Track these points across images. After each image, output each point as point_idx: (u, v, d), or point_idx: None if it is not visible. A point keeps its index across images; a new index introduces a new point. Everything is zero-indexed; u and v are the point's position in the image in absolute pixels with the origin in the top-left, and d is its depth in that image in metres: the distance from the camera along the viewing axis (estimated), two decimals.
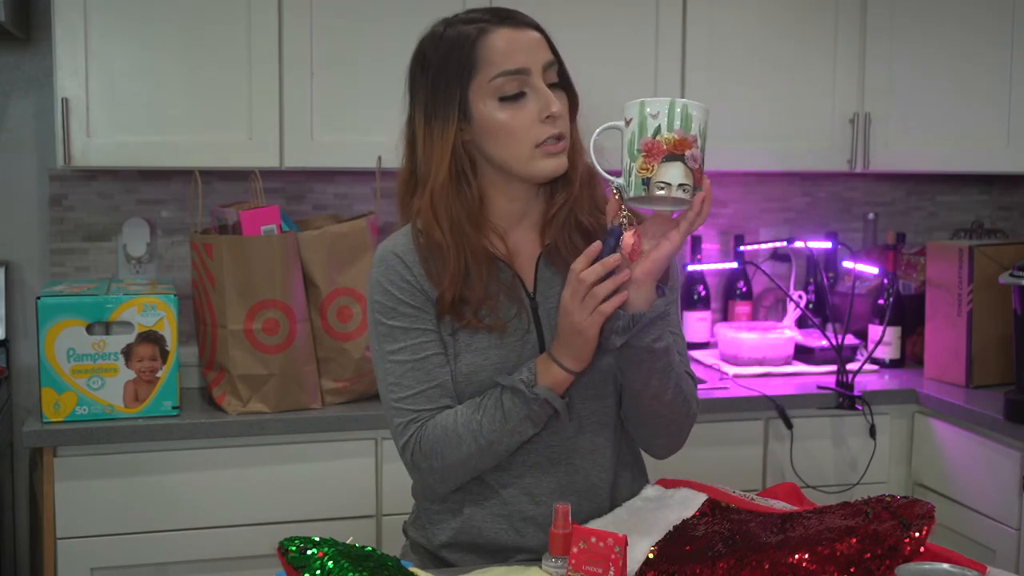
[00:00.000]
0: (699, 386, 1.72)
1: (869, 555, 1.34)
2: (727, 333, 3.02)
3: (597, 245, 1.47)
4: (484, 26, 1.55)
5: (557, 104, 1.55)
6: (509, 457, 1.60)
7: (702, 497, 1.56)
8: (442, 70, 1.56)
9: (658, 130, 1.39)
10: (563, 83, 1.60)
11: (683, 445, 1.67)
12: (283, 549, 1.31)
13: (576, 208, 1.61)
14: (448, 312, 1.57)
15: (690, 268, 3.18)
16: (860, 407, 2.77)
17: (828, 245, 3.22)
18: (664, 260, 1.47)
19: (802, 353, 3.03)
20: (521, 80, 1.54)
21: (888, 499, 1.46)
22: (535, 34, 1.57)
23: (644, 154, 1.39)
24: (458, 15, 1.60)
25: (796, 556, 1.35)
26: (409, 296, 1.59)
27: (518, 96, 1.55)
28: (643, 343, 1.51)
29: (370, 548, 1.35)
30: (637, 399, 1.59)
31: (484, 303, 1.57)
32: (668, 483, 1.62)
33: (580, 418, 1.62)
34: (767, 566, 1.36)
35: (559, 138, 1.56)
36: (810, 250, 3.14)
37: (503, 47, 1.54)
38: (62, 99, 2.52)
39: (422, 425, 1.57)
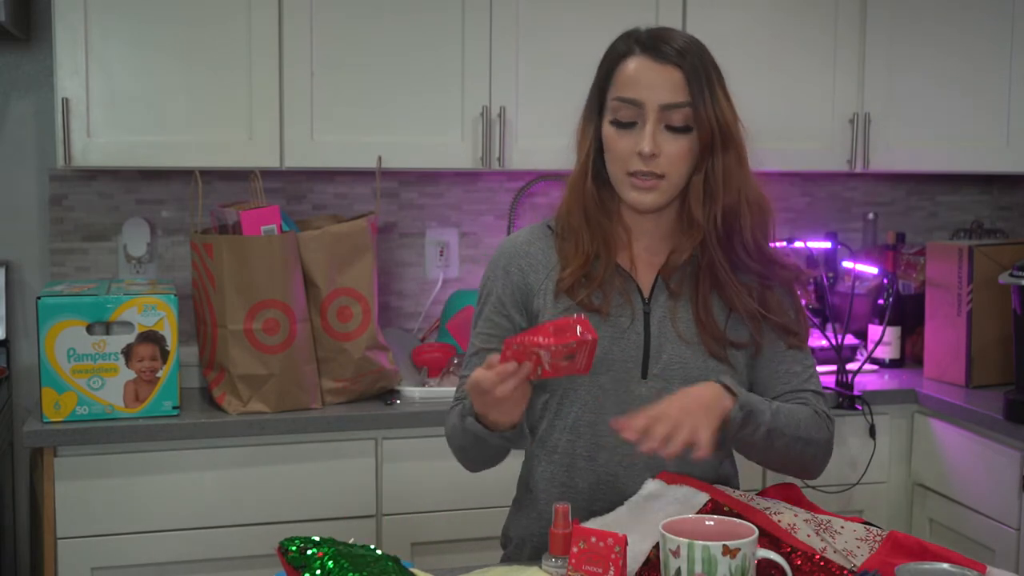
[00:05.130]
0: None
1: None
2: None
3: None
4: (633, 47, 1.65)
5: (649, 146, 1.61)
6: (600, 455, 1.68)
7: (703, 497, 1.56)
8: (596, 75, 1.70)
9: None
10: (694, 127, 1.62)
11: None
12: (283, 549, 1.31)
13: (707, 259, 1.68)
14: (566, 290, 1.68)
15: None
16: (860, 407, 2.77)
17: (828, 245, 3.22)
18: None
19: None
20: (635, 111, 1.63)
21: None
22: (672, 72, 1.62)
23: None
24: (632, 31, 1.69)
25: None
26: (501, 288, 1.74)
27: (629, 124, 1.64)
28: (742, 438, 1.59)
29: (370, 548, 1.35)
30: (763, 463, 1.73)
31: (600, 287, 1.68)
32: (669, 478, 1.62)
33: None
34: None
35: (650, 176, 1.63)
36: (810, 250, 3.14)
37: (631, 74, 1.64)
38: (62, 99, 2.52)
39: (451, 409, 1.73)
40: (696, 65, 1.62)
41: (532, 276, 1.72)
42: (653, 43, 1.64)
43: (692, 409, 1.50)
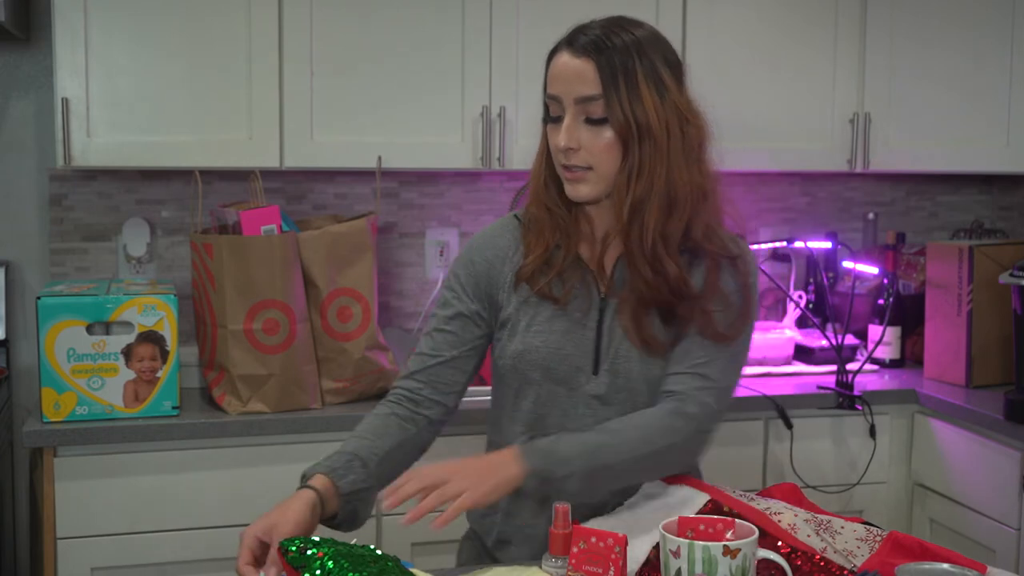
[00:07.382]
0: None
1: None
2: None
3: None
4: (561, 43, 1.65)
5: (564, 140, 1.61)
6: None
7: (704, 497, 1.56)
8: None
9: None
10: (610, 118, 1.59)
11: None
12: (283, 549, 1.32)
13: (629, 245, 1.63)
14: (526, 278, 1.67)
15: None
16: (860, 407, 2.77)
17: (828, 245, 3.21)
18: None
19: (802, 353, 3.03)
20: (558, 105, 1.63)
21: None
22: (585, 65, 1.59)
23: None
24: (575, 27, 1.67)
25: None
26: (464, 275, 1.73)
27: (557, 119, 1.64)
28: (556, 490, 1.54)
29: (370, 548, 1.35)
30: (613, 488, 1.65)
31: (560, 276, 1.67)
32: (669, 478, 1.62)
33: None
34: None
35: (576, 168, 1.63)
36: (810, 250, 3.14)
37: (554, 71, 1.65)
38: (62, 99, 2.52)
39: (387, 400, 1.81)
40: (613, 57, 1.58)
41: (498, 266, 1.71)
42: (574, 36, 1.63)
43: (466, 472, 1.50)
